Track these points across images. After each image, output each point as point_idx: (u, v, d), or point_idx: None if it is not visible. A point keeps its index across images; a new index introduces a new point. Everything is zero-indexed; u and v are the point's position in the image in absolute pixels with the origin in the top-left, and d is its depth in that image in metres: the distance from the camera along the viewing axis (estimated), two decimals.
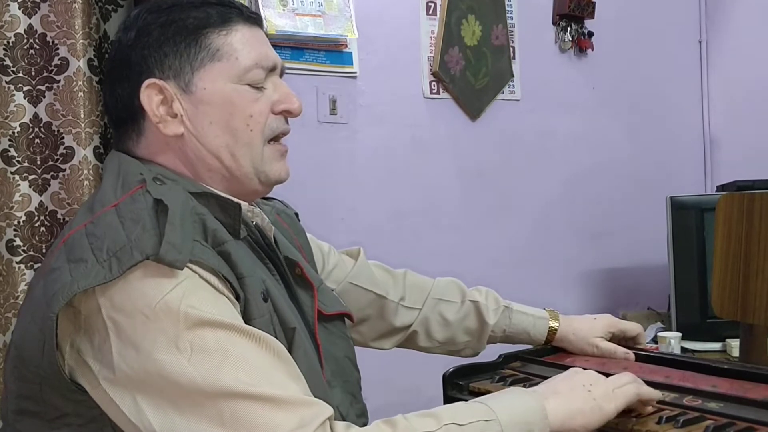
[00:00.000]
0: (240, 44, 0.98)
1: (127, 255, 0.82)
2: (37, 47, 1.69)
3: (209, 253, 0.88)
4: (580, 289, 2.63)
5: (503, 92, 2.48)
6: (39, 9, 1.69)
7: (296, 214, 1.25)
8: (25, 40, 1.68)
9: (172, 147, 0.98)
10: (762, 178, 2.28)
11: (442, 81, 2.35)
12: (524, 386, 1.02)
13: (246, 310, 0.89)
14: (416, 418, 0.86)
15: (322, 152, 2.16)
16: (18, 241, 1.67)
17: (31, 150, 1.69)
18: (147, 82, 0.96)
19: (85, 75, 1.69)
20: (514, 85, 2.50)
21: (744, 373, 1.11)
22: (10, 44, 1.67)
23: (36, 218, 1.69)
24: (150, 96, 0.96)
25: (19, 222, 1.67)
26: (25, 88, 1.68)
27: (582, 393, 0.95)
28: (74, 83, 1.69)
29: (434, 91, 2.35)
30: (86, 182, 1.70)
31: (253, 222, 1.02)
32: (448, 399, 1.21)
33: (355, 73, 2.21)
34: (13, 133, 1.68)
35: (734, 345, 2.00)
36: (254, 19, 1.02)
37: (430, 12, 2.34)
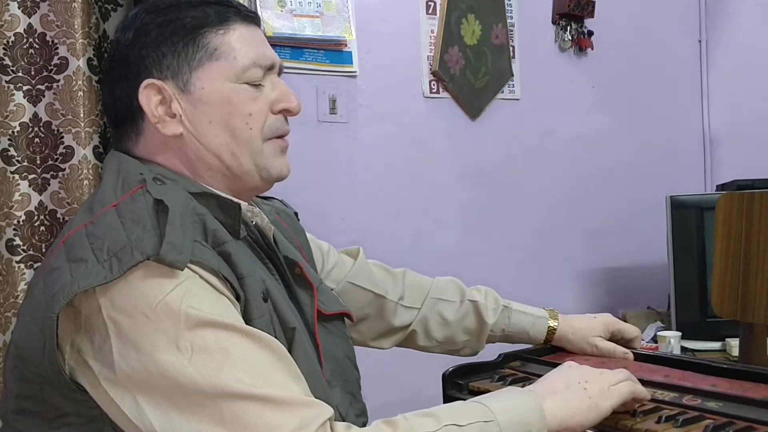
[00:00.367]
0: (238, 43, 0.98)
1: (128, 255, 0.82)
2: (37, 46, 1.69)
3: (209, 253, 0.88)
4: (579, 288, 2.63)
5: (503, 91, 2.48)
6: (38, 8, 1.69)
7: (296, 214, 1.25)
8: (25, 40, 1.68)
9: (171, 147, 0.98)
10: (762, 178, 2.28)
11: (442, 80, 2.35)
12: (523, 385, 1.02)
13: (246, 311, 0.89)
14: (416, 418, 0.86)
15: (321, 152, 2.16)
16: (18, 241, 1.67)
17: (31, 149, 1.69)
18: (145, 82, 0.96)
19: (84, 74, 1.69)
20: (513, 85, 2.50)
21: (743, 373, 1.11)
22: (10, 44, 1.67)
23: (36, 217, 1.69)
24: (148, 96, 0.96)
25: (18, 221, 1.67)
26: (24, 88, 1.68)
27: (578, 391, 0.95)
28: (74, 83, 1.69)
29: (434, 91, 2.35)
30: (86, 181, 1.70)
31: (252, 222, 1.02)
32: (447, 398, 1.21)
33: (354, 72, 2.21)
34: (13, 132, 1.68)
35: (734, 344, 2.00)
36: (252, 18, 1.02)
37: (430, 11, 2.34)
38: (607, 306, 2.57)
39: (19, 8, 1.67)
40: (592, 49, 2.64)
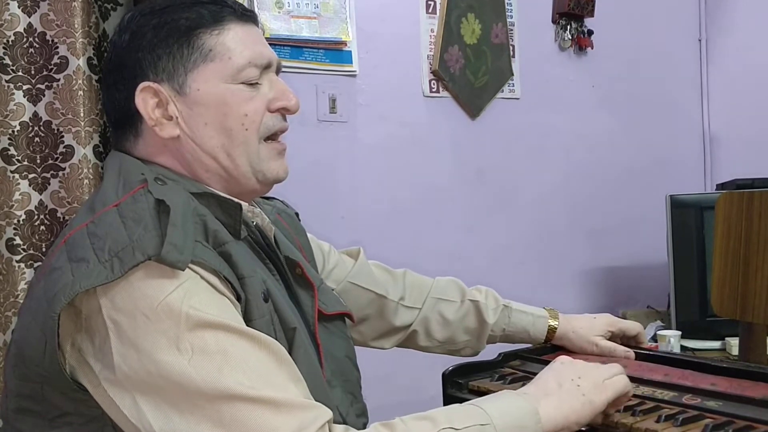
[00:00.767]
0: (233, 43, 0.97)
1: (129, 255, 0.82)
2: (37, 46, 1.69)
3: (211, 254, 0.88)
4: (579, 287, 2.63)
5: (503, 91, 2.48)
6: (38, 8, 1.68)
7: (297, 214, 1.25)
8: (25, 39, 1.68)
9: (169, 148, 0.98)
10: (761, 177, 2.28)
11: (442, 79, 2.35)
12: (523, 384, 1.02)
13: (247, 311, 0.89)
14: (413, 422, 0.86)
15: (321, 151, 2.16)
16: (18, 240, 1.67)
17: (31, 149, 1.69)
18: (142, 85, 0.96)
19: (84, 74, 1.69)
20: (513, 84, 2.50)
21: (743, 372, 1.11)
22: (10, 43, 1.66)
23: (36, 217, 1.69)
24: (145, 99, 0.96)
25: (19, 221, 1.67)
26: (24, 87, 1.68)
27: (571, 389, 0.95)
28: (74, 82, 1.69)
29: (434, 90, 2.35)
30: (86, 181, 1.70)
31: (253, 222, 1.02)
32: (447, 398, 1.21)
33: (354, 71, 2.21)
34: (13, 131, 1.68)
35: (734, 343, 2.00)
36: (248, 16, 1.01)
37: (430, 10, 2.34)
38: (607, 306, 2.57)
39: (19, 7, 1.67)
40: (592, 48, 2.64)
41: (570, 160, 2.63)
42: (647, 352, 1.30)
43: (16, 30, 1.67)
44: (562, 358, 1.01)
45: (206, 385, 0.79)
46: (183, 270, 0.82)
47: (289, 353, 0.90)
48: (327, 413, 0.82)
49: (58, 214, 1.70)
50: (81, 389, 0.86)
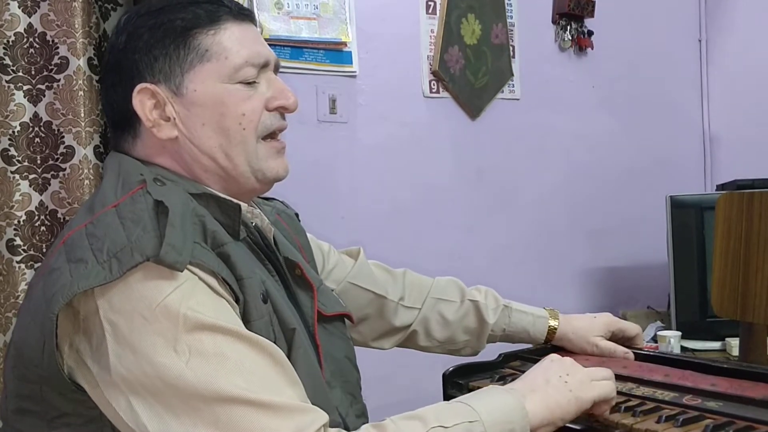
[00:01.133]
0: (229, 43, 0.97)
1: (128, 256, 0.81)
2: (37, 46, 1.69)
3: (209, 255, 0.87)
4: (579, 287, 2.63)
5: (503, 91, 2.48)
6: (39, 8, 1.69)
7: (296, 215, 1.25)
8: (25, 39, 1.68)
9: (168, 149, 0.98)
10: (762, 177, 2.28)
11: (442, 80, 2.35)
12: None
13: (245, 312, 0.89)
14: (404, 422, 0.86)
15: (321, 151, 2.16)
16: (18, 241, 1.67)
17: (31, 149, 1.69)
18: (139, 86, 0.96)
19: (85, 74, 1.69)
20: (513, 84, 2.50)
21: (743, 372, 1.11)
22: (10, 43, 1.66)
23: (36, 217, 1.69)
24: (142, 101, 0.96)
25: (19, 221, 1.67)
26: (25, 87, 1.68)
27: (558, 385, 0.96)
28: (74, 82, 1.69)
29: (434, 90, 2.35)
30: (86, 181, 1.70)
31: (252, 223, 1.02)
32: (447, 398, 1.20)
33: (354, 72, 2.21)
34: (13, 132, 1.68)
35: (734, 344, 2.00)
36: (245, 15, 1.01)
37: (430, 11, 2.34)
38: (607, 306, 2.57)
39: (19, 8, 1.67)
40: (592, 48, 2.64)
41: (570, 161, 2.63)
42: (647, 353, 1.30)
43: (17, 30, 1.67)
44: (552, 356, 1.02)
45: (203, 387, 0.79)
46: (181, 271, 0.82)
47: (289, 354, 0.90)
48: (323, 417, 0.82)
49: (59, 215, 1.70)
50: (79, 390, 0.85)
